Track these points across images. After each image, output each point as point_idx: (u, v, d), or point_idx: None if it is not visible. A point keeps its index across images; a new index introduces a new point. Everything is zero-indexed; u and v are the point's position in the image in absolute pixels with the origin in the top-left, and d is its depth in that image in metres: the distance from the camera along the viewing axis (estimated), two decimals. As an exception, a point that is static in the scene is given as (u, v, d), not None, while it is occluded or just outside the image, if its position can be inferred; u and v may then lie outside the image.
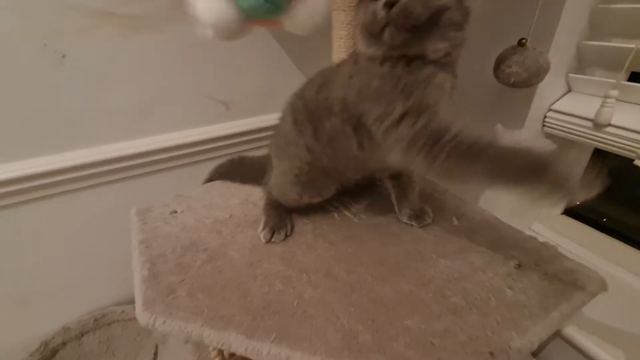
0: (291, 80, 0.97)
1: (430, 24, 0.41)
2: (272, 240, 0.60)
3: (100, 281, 0.94)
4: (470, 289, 0.48)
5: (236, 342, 0.43)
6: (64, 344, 0.89)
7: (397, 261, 0.54)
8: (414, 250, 0.56)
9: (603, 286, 0.48)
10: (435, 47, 0.43)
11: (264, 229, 0.61)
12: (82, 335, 0.92)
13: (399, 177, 0.61)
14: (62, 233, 0.83)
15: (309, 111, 0.56)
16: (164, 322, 0.45)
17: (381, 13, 0.40)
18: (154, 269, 0.54)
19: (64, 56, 0.67)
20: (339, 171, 0.60)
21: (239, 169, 0.76)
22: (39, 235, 0.81)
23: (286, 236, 0.61)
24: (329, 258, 0.55)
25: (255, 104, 0.94)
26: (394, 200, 0.63)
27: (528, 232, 0.95)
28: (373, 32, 0.43)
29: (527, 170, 0.38)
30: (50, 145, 0.74)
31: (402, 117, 0.43)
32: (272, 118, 0.98)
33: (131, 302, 0.98)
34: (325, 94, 0.53)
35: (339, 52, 0.66)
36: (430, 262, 0.53)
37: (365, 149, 0.51)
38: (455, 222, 0.61)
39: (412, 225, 0.61)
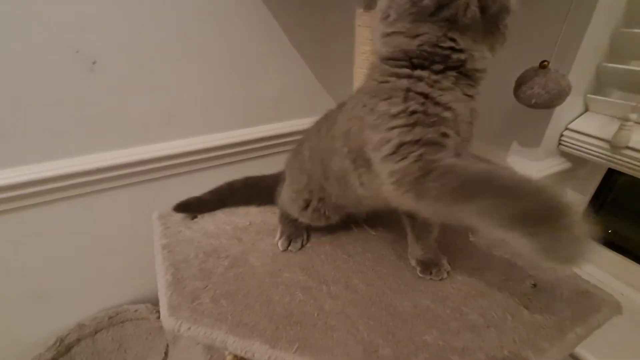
0: (311, 89, 1.00)
1: (488, 24, 0.37)
2: (289, 249, 0.61)
3: (116, 280, 0.96)
4: (487, 307, 0.49)
5: (260, 351, 0.44)
6: (78, 340, 0.92)
7: (414, 275, 0.55)
8: (430, 265, 0.57)
9: (618, 309, 0.49)
10: (484, 54, 0.39)
11: (280, 237, 0.62)
12: (96, 332, 0.94)
13: (415, 217, 0.54)
14: (81, 233, 0.85)
15: (320, 149, 0.54)
16: (189, 328, 0.47)
17: None
18: (177, 274, 0.56)
19: (94, 62, 0.69)
20: (348, 207, 0.59)
21: (256, 192, 0.72)
22: (60, 235, 0.83)
23: (302, 245, 0.62)
24: (347, 269, 0.57)
25: (276, 111, 0.96)
26: (408, 241, 0.57)
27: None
28: (427, 6, 0.36)
29: (534, 211, 0.32)
30: (75, 149, 0.76)
31: (399, 146, 0.39)
32: (291, 125, 1.02)
33: (144, 301, 1.01)
34: (333, 132, 0.51)
35: (361, 66, 0.68)
36: (447, 277, 0.54)
37: (365, 184, 0.48)
38: (472, 238, 0.62)
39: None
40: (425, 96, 0.39)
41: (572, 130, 0.74)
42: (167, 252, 0.60)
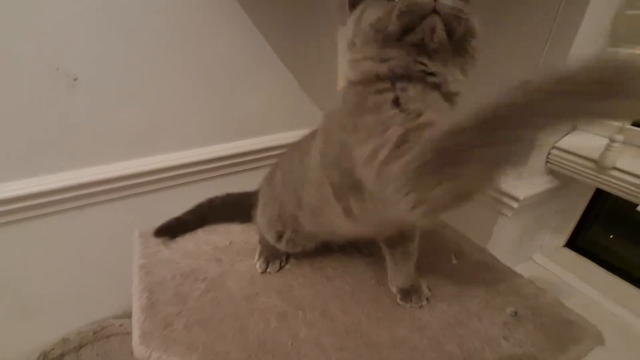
0: (297, 102, 1.00)
1: (456, 46, 0.37)
2: (268, 270, 0.60)
3: (100, 294, 0.95)
4: (466, 337, 0.48)
5: (229, 383, 0.43)
6: (62, 355, 0.90)
7: (392, 301, 0.54)
8: (410, 290, 0.56)
9: (599, 340, 0.48)
10: (456, 76, 0.38)
11: (259, 259, 0.61)
12: (81, 347, 0.93)
13: (394, 245, 0.53)
14: (66, 247, 0.84)
15: (293, 178, 0.52)
16: (160, 357, 0.46)
17: (425, 1, 0.34)
18: (152, 298, 0.55)
19: (75, 79, 0.68)
20: (323, 237, 0.57)
21: (236, 208, 0.70)
22: (44, 249, 0.82)
23: (281, 266, 0.61)
24: (325, 294, 0.56)
25: (262, 124, 0.96)
26: (388, 267, 0.56)
27: (529, 263, 0.96)
28: (392, 32, 0.35)
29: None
30: (56, 165, 0.75)
31: (399, 144, 0.34)
32: (277, 138, 1.01)
33: (129, 315, 0.99)
34: (306, 162, 0.49)
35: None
36: (426, 304, 0.53)
37: (355, 212, 0.44)
38: (454, 262, 0.61)
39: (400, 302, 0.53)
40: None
41: (559, 149, 0.73)
42: (144, 274, 0.60)
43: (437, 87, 0.39)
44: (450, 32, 0.36)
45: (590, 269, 0.89)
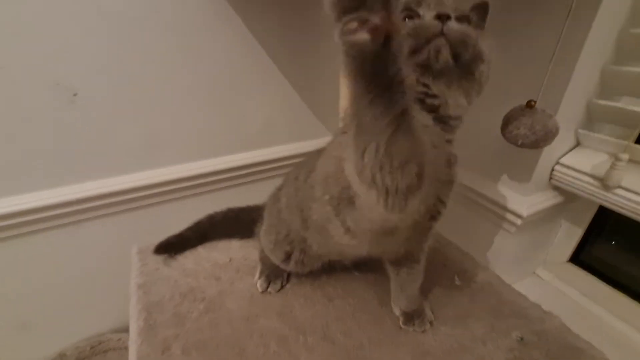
0: (298, 114, 0.99)
1: (463, 71, 0.37)
2: (268, 290, 0.59)
3: (98, 308, 0.94)
4: (470, 363, 0.47)
5: (227, 412, 0.42)
6: (59, 370, 0.89)
7: (394, 323, 0.53)
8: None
9: (607, 367, 0.47)
10: (458, 101, 0.39)
11: (259, 277, 0.60)
12: (78, 362, 0.91)
13: (399, 265, 0.52)
14: (64, 262, 0.84)
15: (298, 198, 0.51)
16: (157, 383, 0.45)
17: (433, 24, 0.35)
18: (150, 319, 0.54)
19: (75, 94, 0.68)
20: (331, 256, 0.57)
21: (238, 225, 0.70)
22: (43, 264, 0.81)
23: (282, 286, 0.60)
24: (326, 316, 0.55)
25: (264, 137, 0.95)
26: (392, 288, 0.55)
27: (532, 278, 0.95)
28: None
29: None
30: (56, 179, 0.75)
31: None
32: (280, 150, 1.00)
33: (127, 330, 0.98)
34: (312, 179, 0.48)
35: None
36: (429, 327, 0.52)
37: (351, 229, 0.44)
38: (458, 282, 0.60)
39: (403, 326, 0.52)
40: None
41: (563, 165, 0.72)
42: (142, 293, 0.59)
43: (434, 109, 0.39)
44: (456, 56, 0.36)
45: (593, 285, 0.88)
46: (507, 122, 0.59)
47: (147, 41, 0.72)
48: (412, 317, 0.52)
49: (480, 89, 0.40)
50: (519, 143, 0.58)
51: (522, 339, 0.49)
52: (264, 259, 0.62)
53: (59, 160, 0.73)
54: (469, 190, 0.83)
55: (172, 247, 0.66)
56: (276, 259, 0.57)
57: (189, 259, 0.66)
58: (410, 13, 0.37)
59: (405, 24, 0.36)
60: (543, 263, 0.95)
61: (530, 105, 0.58)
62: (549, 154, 0.71)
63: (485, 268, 0.64)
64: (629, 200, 0.63)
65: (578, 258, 0.95)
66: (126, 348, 0.95)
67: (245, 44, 0.82)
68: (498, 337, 0.50)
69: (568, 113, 0.66)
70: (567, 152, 0.73)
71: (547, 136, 0.56)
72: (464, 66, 0.37)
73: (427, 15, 0.36)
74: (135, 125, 0.78)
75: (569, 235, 0.92)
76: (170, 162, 0.84)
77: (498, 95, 0.55)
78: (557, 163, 0.73)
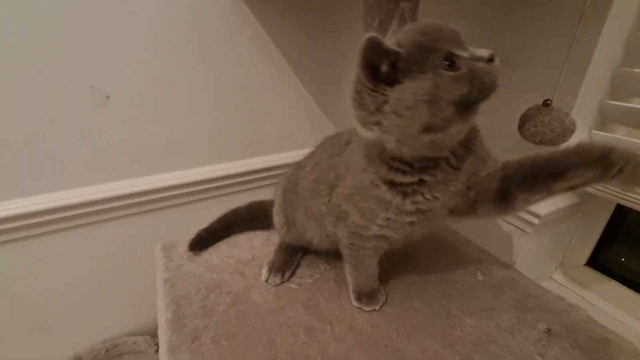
0: (314, 120, 1.02)
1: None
2: (269, 281, 0.60)
3: (115, 311, 0.94)
4: (499, 353, 0.47)
5: (261, 399, 0.42)
6: (74, 374, 0.89)
7: (421, 316, 0.53)
8: (438, 306, 0.55)
9: (637, 357, 0.47)
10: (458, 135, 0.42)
11: (265, 267, 0.62)
12: (93, 365, 0.91)
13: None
14: (82, 263, 0.85)
15: (303, 188, 0.57)
16: (189, 371, 0.45)
17: (481, 65, 0.37)
18: (178, 311, 0.54)
19: (108, 97, 0.71)
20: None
21: (261, 214, 0.73)
22: (61, 265, 0.83)
23: (282, 281, 0.60)
24: (352, 309, 0.55)
25: (281, 141, 0.98)
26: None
27: (549, 282, 0.94)
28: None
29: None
30: (84, 179, 0.77)
31: None
32: (297, 154, 1.01)
33: (143, 332, 0.98)
34: (315, 174, 0.54)
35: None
36: (455, 319, 0.52)
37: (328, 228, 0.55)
38: (480, 277, 0.61)
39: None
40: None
41: (578, 165, 0.74)
42: (169, 287, 0.60)
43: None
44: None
45: (614, 288, 0.87)
46: (524, 120, 0.61)
47: (176, 50, 0.76)
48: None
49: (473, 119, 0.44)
50: (537, 140, 0.59)
51: (549, 330, 0.50)
52: (277, 250, 0.65)
53: (87, 160, 0.76)
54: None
55: (203, 240, 0.69)
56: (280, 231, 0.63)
57: (213, 255, 0.68)
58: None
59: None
60: (560, 267, 0.94)
61: (546, 103, 0.60)
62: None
63: (506, 264, 0.64)
64: (646, 196, 0.64)
65: (595, 261, 0.94)
66: (141, 352, 0.95)
67: (267, 52, 0.86)
68: (525, 328, 0.50)
69: (581, 113, 0.68)
70: (581, 152, 0.75)
71: (565, 132, 0.57)
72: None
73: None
74: (160, 129, 0.81)
75: (585, 238, 0.92)
76: (192, 165, 0.87)
77: (513, 96, 0.57)
78: (572, 163, 0.75)
